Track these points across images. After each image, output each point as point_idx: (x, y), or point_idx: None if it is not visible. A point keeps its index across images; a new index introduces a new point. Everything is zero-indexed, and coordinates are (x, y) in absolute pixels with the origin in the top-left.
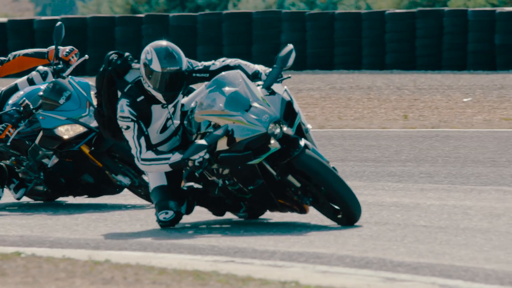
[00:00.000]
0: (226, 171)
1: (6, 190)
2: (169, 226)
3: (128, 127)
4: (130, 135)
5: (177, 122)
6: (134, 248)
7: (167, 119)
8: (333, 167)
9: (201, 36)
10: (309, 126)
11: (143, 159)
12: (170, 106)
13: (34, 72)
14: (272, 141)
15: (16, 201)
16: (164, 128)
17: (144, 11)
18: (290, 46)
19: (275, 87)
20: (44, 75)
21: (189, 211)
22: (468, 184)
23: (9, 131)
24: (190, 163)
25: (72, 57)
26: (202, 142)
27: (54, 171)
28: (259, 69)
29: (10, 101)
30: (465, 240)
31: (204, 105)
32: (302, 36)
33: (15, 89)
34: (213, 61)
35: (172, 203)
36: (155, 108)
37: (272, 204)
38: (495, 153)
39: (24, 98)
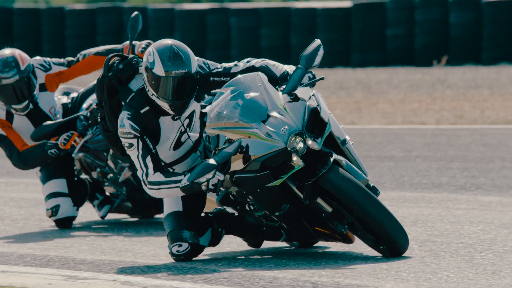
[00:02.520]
0: (247, 196)
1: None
2: (184, 261)
3: (131, 145)
4: (134, 155)
5: (195, 135)
6: None
7: (181, 133)
8: (373, 187)
9: None
10: (346, 137)
11: (150, 183)
12: (184, 117)
13: None
14: (295, 158)
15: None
16: (179, 144)
17: None
18: (317, 42)
19: (300, 91)
20: None
21: (214, 242)
22: None
23: (74, 141)
24: (203, 186)
25: None
26: (211, 161)
27: (134, 187)
28: (288, 70)
29: (84, 105)
30: (147, 236)
31: (215, 115)
32: None
33: (92, 90)
34: (235, 62)
35: (186, 234)
36: (164, 121)
37: (306, 232)
38: None
39: (92, 102)
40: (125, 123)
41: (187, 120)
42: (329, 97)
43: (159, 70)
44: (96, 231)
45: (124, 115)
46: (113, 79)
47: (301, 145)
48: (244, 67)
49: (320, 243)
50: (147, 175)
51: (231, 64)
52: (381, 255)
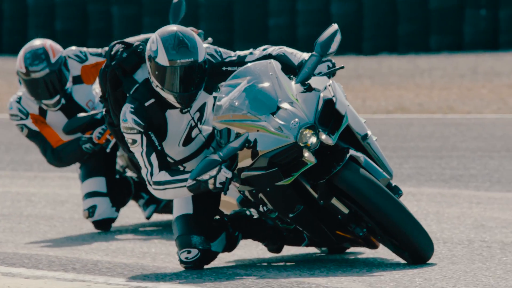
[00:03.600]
0: (257, 195)
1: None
2: (194, 269)
3: (134, 141)
4: (138, 152)
5: (207, 129)
6: None
7: (192, 127)
8: (395, 187)
9: None
10: (368, 132)
11: (155, 183)
12: (194, 109)
13: None
14: (306, 154)
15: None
16: (189, 139)
17: None
18: (333, 27)
19: (315, 81)
20: None
21: (228, 247)
22: (31, 171)
23: (110, 134)
24: (210, 185)
25: None
26: (214, 156)
27: None
28: (307, 59)
29: None
30: (28, 228)
31: (222, 107)
32: None
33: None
34: (251, 50)
35: (196, 239)
36: (172, 114)
37: (324, 237)
38: None
39: None
40: (127, 118)
41: (198, 114)
42: None
43: (162, 59)
44: None
45: (126, 109)
46: (116, 68)
47: (313, 139)
48: (260, 55)
49: (353, 249)
50: (151, 174)
51: (246, 52)
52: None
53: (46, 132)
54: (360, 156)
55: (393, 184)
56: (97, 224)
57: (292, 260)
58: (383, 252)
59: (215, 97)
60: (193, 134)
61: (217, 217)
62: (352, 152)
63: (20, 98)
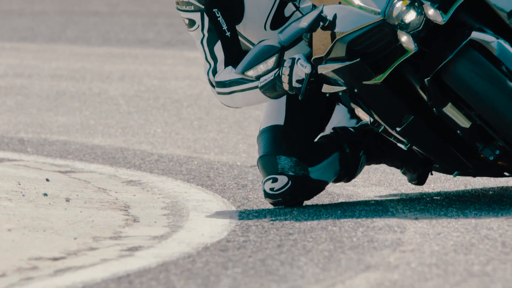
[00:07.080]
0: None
1: None
2: (287, 204)
3: (191, 23)
4: (197, 39)
5: (307, 5)
6: None
7: (283, 2)
8: None
9: None
10: None
11: (218, 84)
12: None
13: None
14: (404, 38)
15: None
16: (280, 19)
17: None
18: None
19: None
20: None
21: (345, 174)
22: None
23: None
24: (284, 84)
25: None
26: (270, 42)
27: None
28: None
29: None
30: None
31: None
32: None
33: None
34: None
35: (284, 161)
36: None
37: (451, 159)
38: None
39: None
40: None
41: None
42: None
43: None
44: None
45: None
46: None
47: (411, 15)
48: None
49: None
50: (214, 71)
51: None
52: None
53: None
54: (492, 40)
55: None
56: None
57: (444, 196)
58: None
59: None
60: (287, 12)
61: (330, 131)
62: (475, 34)
63: None
